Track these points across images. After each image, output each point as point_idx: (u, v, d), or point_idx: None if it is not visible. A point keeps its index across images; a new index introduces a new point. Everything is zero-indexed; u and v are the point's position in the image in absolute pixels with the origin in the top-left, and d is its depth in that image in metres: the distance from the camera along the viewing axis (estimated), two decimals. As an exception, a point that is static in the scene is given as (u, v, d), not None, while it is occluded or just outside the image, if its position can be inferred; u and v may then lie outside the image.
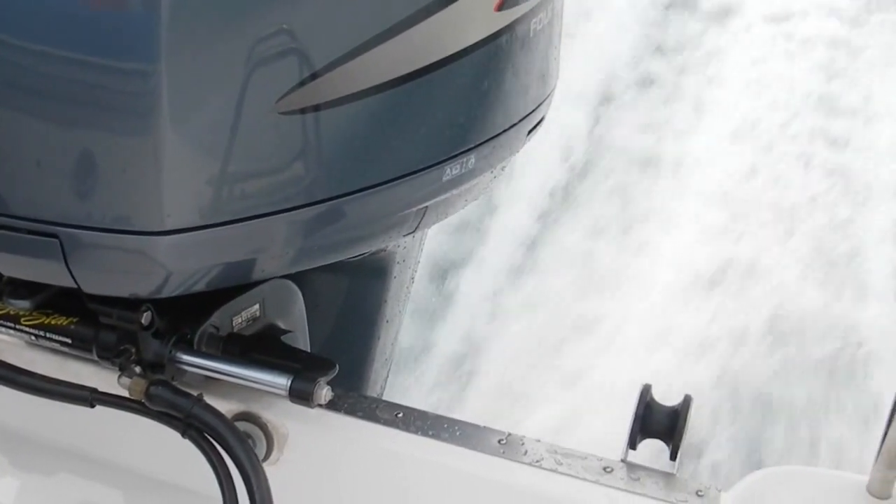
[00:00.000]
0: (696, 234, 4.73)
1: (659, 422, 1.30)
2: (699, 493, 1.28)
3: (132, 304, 1.25)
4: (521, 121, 1.48)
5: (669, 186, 5.06)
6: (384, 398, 1.79)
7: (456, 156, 1.35)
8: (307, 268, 1.35)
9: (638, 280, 4.46)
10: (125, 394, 1.26)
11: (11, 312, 1.32)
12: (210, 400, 1.24)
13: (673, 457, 1.29)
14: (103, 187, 1.11)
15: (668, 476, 1.30)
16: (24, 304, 1.29)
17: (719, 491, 1.29)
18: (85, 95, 1.07)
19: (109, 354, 1.27)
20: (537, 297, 4.42)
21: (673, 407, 1.31)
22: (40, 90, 1.08)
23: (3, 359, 1.35)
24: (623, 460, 1.32)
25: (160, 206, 1.11)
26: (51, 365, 1.39)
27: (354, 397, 1.42)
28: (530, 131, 1.55)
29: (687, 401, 1.31)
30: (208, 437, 1.22)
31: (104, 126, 1.09)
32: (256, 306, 1.40)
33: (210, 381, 1.33)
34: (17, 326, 1.32)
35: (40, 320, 1.31)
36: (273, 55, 1.12)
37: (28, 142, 1.10)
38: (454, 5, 1.26)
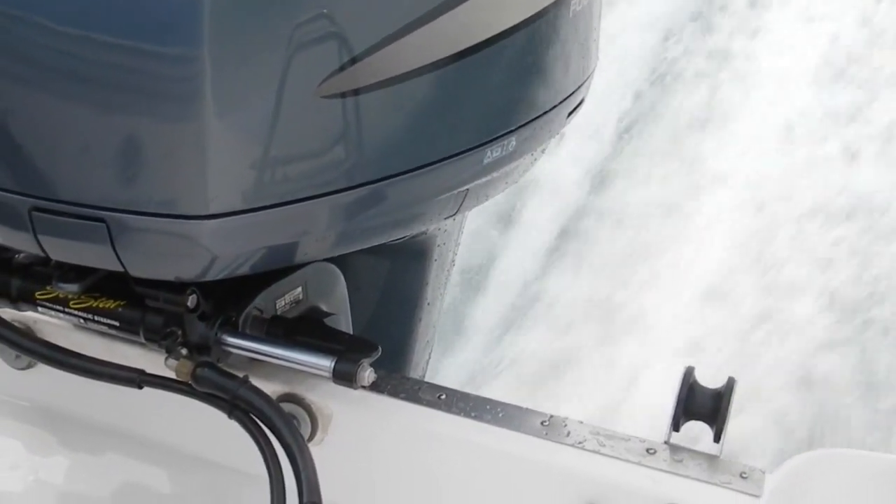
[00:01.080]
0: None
1: (702, 404, 1.29)
2: (743, 475, 1.27)
3: (178, 288, 1.26)
4: (561, 102, 1.48)
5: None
6: (426, 380, 1.80)
7: (496, 138, 1.35)
8: (349, 251, 1.36)
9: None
10: (172, 375, 1.28)
11: (60, 296, 1.34)
12: (255, 381, 1.26)
13: (717, 439, 1.29)
14: (148, 172, 1.12)
15: (711, 458, 1.30)
16: (72, 288, 1.31)
17: (763, 473, 1.28)
18: (129, 81, 1.09)
19: (156, 337, 1.29)
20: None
21: (717, 389, 1.30)
22: (85, 76, 1.09)
23: (53, 341, 1.38)
24: (666, 442, 1.31)
25: (204, 190, 1.12)
26: (99, 347, 1.41)
27: (397, 379, 1.42)
28: (570, 113, 1.54)
29: (730, 383, 1.30)
30: (254, 417, 1.24)
31: (148, 112, 1.10)
32: (299, 289, 1.41)
33: (255, 363, 1.34)
34: (66, 310, 1.34)
35: (88, 304, 1.33)
36: (314, 39, 1.12)
37: (74, 128, 1.12)
38: None
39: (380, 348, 1.32)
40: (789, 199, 4.73)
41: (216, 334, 1.29)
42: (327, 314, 1.46)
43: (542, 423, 1.35)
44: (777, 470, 1.29)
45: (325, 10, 1.11)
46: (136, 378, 1.30)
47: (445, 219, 1.50)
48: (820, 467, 1.32)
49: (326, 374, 1.27)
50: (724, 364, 3.79)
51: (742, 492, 1.26)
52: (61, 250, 1.23)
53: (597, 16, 1.56)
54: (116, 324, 1.32)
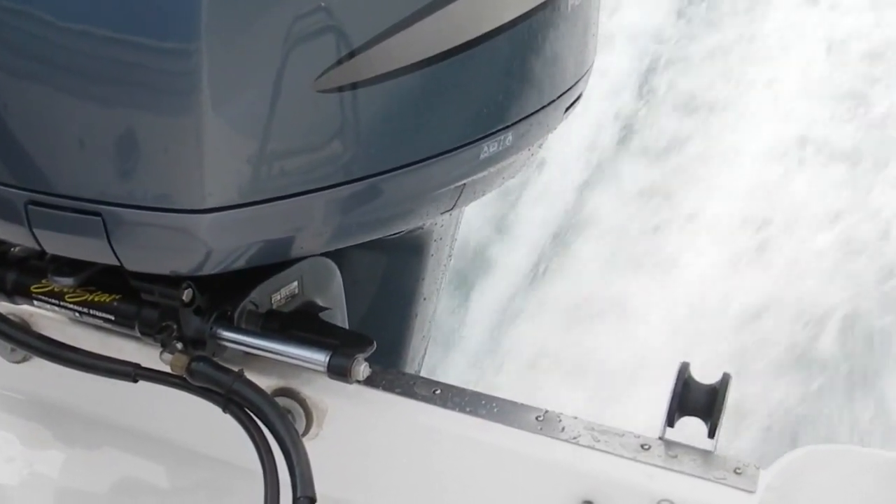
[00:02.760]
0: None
1: (697, 399, 1.30)
2: (737, 471, 1.28)
3: (174, 282, 1.26)
4: (559, 98, 1.48)
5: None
6: (422, 375, 1.80)
7: (493, 133, 1.35)
8: (345, 245, 1.36)
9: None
10: (167, 369, 1.28)
11: (56, 289, 1.34)
12: (250, 376, 1.26)
13: (711, 434, 1.29)
14: (145, 166, 1.12)
15: (706, 453, 1.30)
16: (68, 282, 1.31)
17: (758, 468, 1.28)
18: (126, 75, 1.08)
19: (151, 331, 1.29)
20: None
21: (711, 385, 1.31)
22: (81, 70, 1.09)
23: (48, 335, 1.38)
24: (661, 438, 1.32)
25: (201, 184, 1.12)
26: (94, 341, 1.41)
27: (392, 373, 1.42)
28: (568, 108, 1.54)
29: (725, 379, 1.31)
30: (249, 412, 1.24)
31: (145, 105, 1.10)
32: (295, 283, 1.41)
33: (250, 358, 1.34)
34: (62, 303, 1.34)
35: (84, 297, 1.33)
36: (311, 33, 1.12)
37: (70, 121, 1.11)
38: None
39: (375, 343, 1.32)
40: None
41: (211, 328, 1.29)
42: (323, 309, 1.46)
43: (536, 419, 1.35)
44: (772, 466, 1.29)
45: (322, 4, 1.11)
46: (131, 372, 1.30)
47: (442, 214, 1.50)
48: (814, 463, 1.32)
49: (321, 368, 1.27)
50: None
51: (736, 487, 1.26)
52: (57, 244, 1.23)
53: (595, 10, 1.56)
54: (112, 317, 1.32)
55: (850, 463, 1.33)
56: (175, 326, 1.28)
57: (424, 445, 1.39)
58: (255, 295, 1.34)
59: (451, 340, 4.03)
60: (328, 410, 1.38)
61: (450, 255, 2.01)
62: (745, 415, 3.52)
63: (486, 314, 4.23)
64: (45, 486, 1.55)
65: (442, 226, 1.86)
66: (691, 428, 1.31)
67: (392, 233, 1.48)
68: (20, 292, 1.37)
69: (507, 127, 1.37)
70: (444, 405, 1.38)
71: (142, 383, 1.30)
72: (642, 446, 1.31)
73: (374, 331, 1.37)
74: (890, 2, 5.66)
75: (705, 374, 1.32)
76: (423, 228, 1.78)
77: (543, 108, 1.44)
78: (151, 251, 1.19)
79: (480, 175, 1.40)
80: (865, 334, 3.93)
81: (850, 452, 1.38)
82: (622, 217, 4.65)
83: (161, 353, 1.27)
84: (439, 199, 1.40)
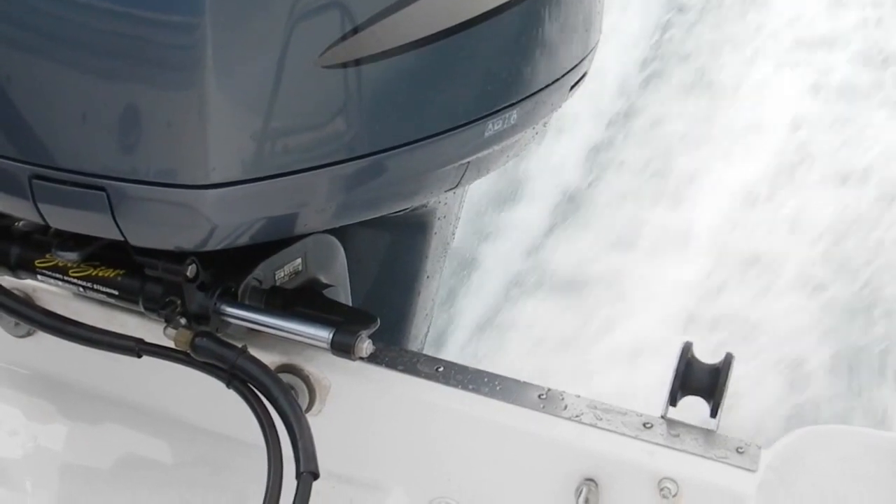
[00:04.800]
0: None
1: (700, 379, 1.30)
2: (739, 450, 1.28)
3: (177, 257, 1.26)
4: (564, 76, 1.47)
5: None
6: (424, 352, 1.80)
7: (498, 111, 1.35)
8: (349, 223, 1.36)
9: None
10: (171, 345, 1.28)
11: (60, 264, 1.34)
12: (253, 352, 1.26)
13: (713, 414, 1.29)
14: (149, 141, 1.12)
15: (707, 432, 1.30)
16: (72, 256, 1.31)
17: (759, 448, 1.29)
18: (130, 49, 1.08)
19: (155, 306, 1.29)
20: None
21: (714, 364, 1.31)
22: (85, 44, 1.09)
23: (52, 309, 1.38)
24: (663, 416, 1.32)
25: (205, 160, 1.12)
26: (98, 316, 1.41)
27: (395, 351, 1.43)
28: (573, 87, 1.54)
29: (728, 359, 1.31)
30: (252, 387, 1.24)
31: (149, 80, 1.09)
32: (299, 260, 1.41)
33: (253, 334, 1.34)
34: (66, 278, 1.35)
35: (88, 272, 1.33)
36: (316, 8, 1.12)
37: (74, 96, 1.11)
38: None
39: (378, 320, 1.32)
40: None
41: (215, 304, 1.30)
42: (326, 286, 1.46)
43: (539, 397, 1.36)
44: (773, 445, 1.30)
45: None
46: (135, 347, 1.30)
47: (446, 192, 1.50)
48: (815, 443, 1.32)
49: (325, 345, 1.28)
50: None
51: (738, 466, 1.27)
52: (61, 218, 1.23)
53: None
54: (116, 292, 1.33)
55: (851, 443, 1.33)
56: (179, 302, 1.28)
57: (427, 422, 1.39)
58: (258, 271, 1.34)
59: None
60: (331, 387, 1.38)
61: (453, 234, 2.01)
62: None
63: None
64: (48, 460, 1.55)
65: (446, 204, 1.86)
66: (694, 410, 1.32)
67: (396, 210, 1.48)
68: (24, 267, 1.37)
69: (512, 105, 1.36)
70: (446, 382, 1.38)
71: (145, 358, 1.31)
72: (644, 425, 1.31)
73: (377, 308, 1.37)
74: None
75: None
76: (426, 206, 1.78)
77: (548, 86, 1.43)
78: (155, 226, 1.20)
79: (485, 153, 1.39)
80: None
81: (851, 433, 1.38)
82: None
83: (165, 328, 1.27)
84: (443, 177, 1.40)
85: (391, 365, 1.40)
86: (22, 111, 1.14)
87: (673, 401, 1.31)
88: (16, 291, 1.45)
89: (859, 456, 1.30)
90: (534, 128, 1.49)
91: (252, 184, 1.15)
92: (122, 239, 1.20)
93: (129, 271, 1.32)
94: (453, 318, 4.13)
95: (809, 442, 1.32)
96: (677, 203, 4.64)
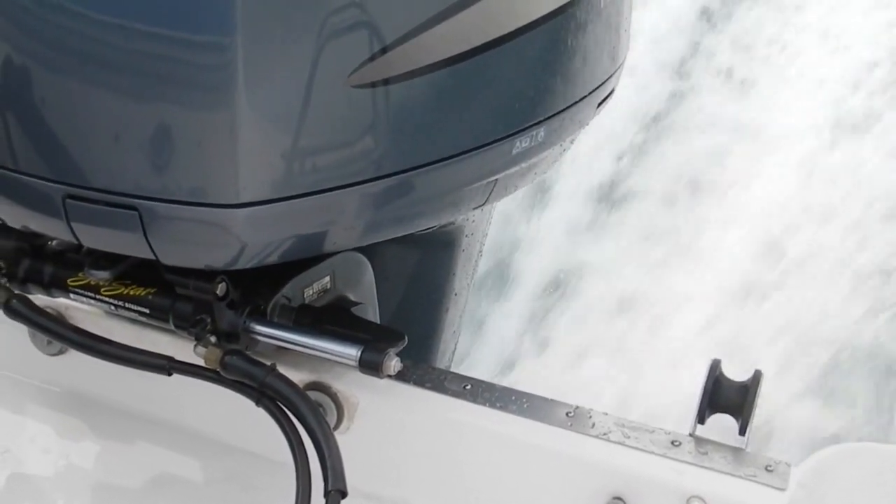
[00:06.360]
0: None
1: (728, 397, 1.29)
2: (768, 468, 1.27)
3: (207, 276, 1.27)
4: (591, 93, 1.47)
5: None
6: (452, 370, 1.80)
7: (525, 129, 1.35)
8: (377, 240, 1.36)
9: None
10: (201, 363, 1.29)
11: (91, 283, 1.36)
12: (282, 370, 1.27)
13: (742, 432, 1.29)
14: (180, 160, 1.13)
15: (736, 451, 1.29)
16: (103, 275, 1.33)
17: (789, 466, 1.28)
18: (162, 69, 1.09)
19: (185, 324, 1.30)
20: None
21: (743, 382, 1.30)
22: (118, 65, 1.10)
23: (84, 328, 1.40)
24: (691, 434, 1.31)
25: (235, 179, 1.13)
26: (129, 334, 1.43)
27: (423, 368, 1.43)
28: (600, 104, 1.54)
29: (757, 376, 1.30)
30: (281, 405, 1.25)
31: (180, 100, 1.11)
32: (327, 278, 1.42)
33: (282, 352, 1.35)
34: (97, 296, 1.36)
35: (119, 291, 1.35)
36: (345, 28, 1.13)
37: (107, 116, 1.13)
38: None
39: (406, 338, 1.33)
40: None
41: (245, 322, 1.30)
42: (355, 303, 1.47)
43: (566, 415, 1.35)
44: (802, 463, 1.28)
45: (356, 0, 1.12)
46: (166, 365, 1.31)
47: (474, 209, 1.50)
48: (846, 461, 1.31)
49: (353, 363, 1.28)
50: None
51: (767, 485, 1.26)
52: (94, 237, 1.24)
53: (627, 6, 1.56)
54: (146, 311, 1.34)
55: (881, 460, 1.32)
56: (209, 320, 1.29)
57: (454, 440, 1.39)
58: (287, 289, 1.35)
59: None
60: (359, 405, 1.39)
61: (480, 251, 2.01)
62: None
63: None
64: (80, 478, 1.56)
65: (473, 221, 1.86)
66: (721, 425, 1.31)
67: (424, 228, 1.48)
68: (57, 285, 1.39)
69: (540, 122, 1.37)
70: (474, 400, 1.38)
71: (175, 376, 1.31)
72: (672, 443, 1.31)
73: (405, 326, 1.37)
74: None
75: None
76: (454, 224, 1.78)
77: (576, 103, 1.43)
78: (186, 245, 1.21)
79: (512, 170, 1.40)
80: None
81: (881, 450, 1.36)
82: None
83: (195, 346, 1.28)
84: (471, 195, 1.40)
85: (419, 382, 1.40)
86: (55, 132, 1.16)
87: (701, 419, 1.30)
88: (49, 310, 1.46)
89: (890, 473, 1.29)
90: (561, 144, 1.49)
91: (282, 203, 1.16)
92: (154, 258, 1.21)
93: (159, 290, 1.33)
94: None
95: (839, 459, 1.31)
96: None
